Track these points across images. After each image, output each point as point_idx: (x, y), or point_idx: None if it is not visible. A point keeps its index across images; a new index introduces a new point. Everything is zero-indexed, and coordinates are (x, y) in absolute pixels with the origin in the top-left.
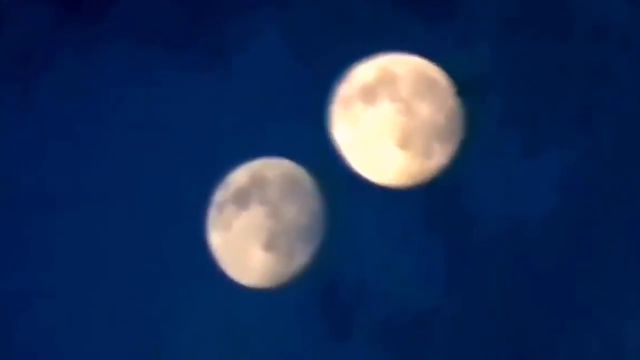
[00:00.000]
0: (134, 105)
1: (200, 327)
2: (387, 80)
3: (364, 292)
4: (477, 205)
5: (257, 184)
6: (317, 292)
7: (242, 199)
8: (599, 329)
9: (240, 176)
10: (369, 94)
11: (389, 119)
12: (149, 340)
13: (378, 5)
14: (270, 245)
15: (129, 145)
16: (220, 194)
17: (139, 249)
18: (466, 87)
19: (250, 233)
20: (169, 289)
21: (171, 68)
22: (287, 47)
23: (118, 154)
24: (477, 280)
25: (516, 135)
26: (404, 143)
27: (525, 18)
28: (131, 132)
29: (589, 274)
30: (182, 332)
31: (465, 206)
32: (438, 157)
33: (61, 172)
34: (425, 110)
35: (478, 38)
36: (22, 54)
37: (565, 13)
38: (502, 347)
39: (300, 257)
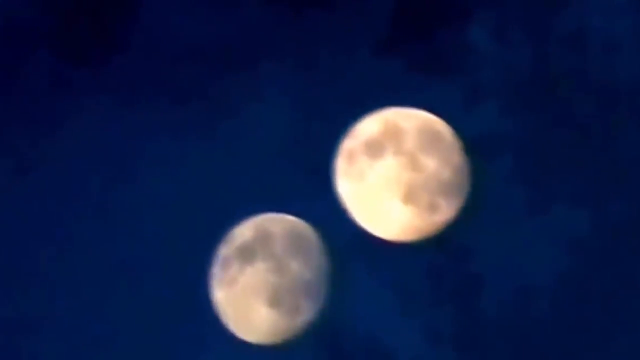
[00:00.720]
0: (136, 160)
1: None
2: (392, 134)
3: (368, 349)
4: (484, 265)
5: (262, 239)
6: (322, 349)
7: (246, 254)
8: None
9: (244, 231)
10: (373, 148)
11: (393, 173)
12: None
13: (384, 60)
14: (274, 301)
15: (131, 200)
16: (225, 249)
17: (141, 304)
18: (473, 144)
19: (255, 289)
20: (172, 345)
21: (175, 123)
22: (291, 101)
23: (119, 207)
24: (485, 342)
25: (524, 193)
26: (409, 198)
27: (535, 76)
28: (133, 186)
29: (602, 341)
30: None
31: (473, 265)
32: (444, 213)
33: (62, 227)
34: (431, 164)
35: (486, 95)
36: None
37: (575, 71)
38: None
39: (305, 314)
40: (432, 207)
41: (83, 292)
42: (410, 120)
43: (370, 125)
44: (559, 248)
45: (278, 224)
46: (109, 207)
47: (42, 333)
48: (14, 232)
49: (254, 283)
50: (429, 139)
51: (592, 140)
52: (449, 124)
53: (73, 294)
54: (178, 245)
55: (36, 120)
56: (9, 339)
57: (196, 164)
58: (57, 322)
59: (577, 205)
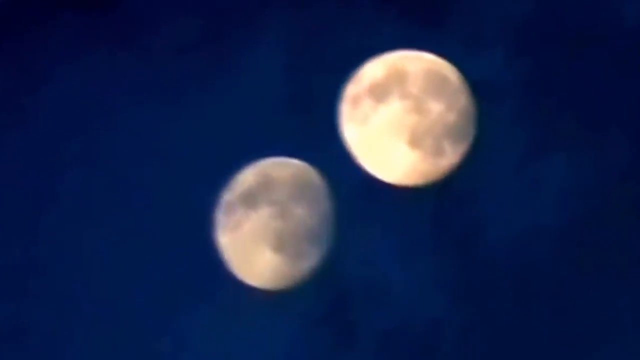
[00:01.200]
0: (136, 108)
1: (207, 328)
2: (397, 78)
3: (371, 297)
4: (488, 209)
5: (265, 184)
6: (326, 294)
7: (250, 200)
8: (615, 343)
9: (247, 177)
10: (378, 92)
11: (399, 117)
12: (153, 340)
13: (384, 5)
14: (279, 246)
15: (135, 146)
16: (228, 195)
17: (145, 250)
18: (477, 89)
19: (259, 234)
20: (175, 290)
21: (176, 72)
22: (295, 46)
23: (123, 155)
24: (487, 288)
25: (528, 138)
26: (414, 142)
27: (539, 20)
28: (134, 133)
29: (604, 285)
30: (187, 332)
31: (476, 209)
32: (449, 157)
33: (65, 172)
34: (437, 108)
35: (492, 40)
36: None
37: (580, 16)
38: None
39: (309, 259)
40: (438, 151)
41: (85, 240)
42: (415, 64)
43: (374, 69)
44: (562, 193)
45: (282, 169)
46: (110, 154)
47: (48, 277)
48: (12, 179)
49: (258, 228)
50: (435, 83)
51: (596, 85)
52: (453, 66)
53: (74, 243)
54: (181, 192)
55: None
56: (20, 281)
57: (199, 110)
58: (58, 272)
59: (581, 150)
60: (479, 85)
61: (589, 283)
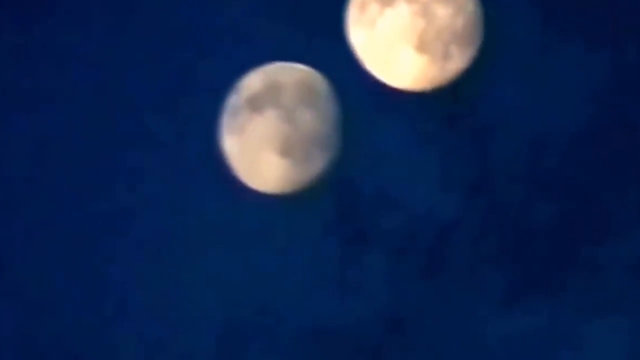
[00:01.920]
0: (144, 5)
1: (212, 233)
2: None
3: (382, 199)
4: (499, 112)
5: (271, 89)
6: (334, 198)
7: (256, 104)
8: (622, 238)
9: (254, 81)
10: None
11: (406, 21)
12: (158, 244)
13: None
14: (285, 151)
15: (139, 47)
16: (234, 99)
17: (150, 152)
18: None
19: (265, 138)
20: (180, 193)
21: None
22: None
23: (126, 54)
24: (500, 189)
25: (539, 37)
26: (422, 47)
27: None
28: (141, 33)
29: (617, 193)
30: (193, 236)
31: (487, 113)
32: (457, 61)
33: (70, 72)
34: (445, 12)
35: None
36: None
37: None
38: (523, 259)
39: (317, 164)
40: (446, 56)
41: (86, 135)
42: None
43: None
44: (576, 93)
45: (288, 74)
46: (113, 51)
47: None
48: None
49: (264, 132)
50: None
51: None
52: None
53: (87, 158)
54: (186, 95)
55: None
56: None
57: (204, 12)
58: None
59: (595, 47)
60: None
61: (603, 189)
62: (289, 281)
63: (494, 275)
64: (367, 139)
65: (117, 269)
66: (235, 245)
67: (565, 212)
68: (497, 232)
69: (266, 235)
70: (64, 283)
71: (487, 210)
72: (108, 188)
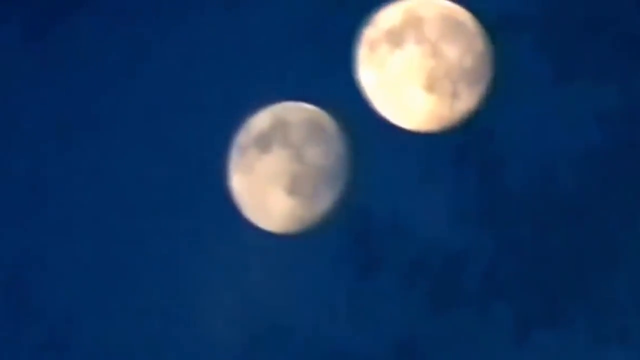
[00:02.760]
0: (155, 46)
1: (221, 273)
2: (413, 23)
3: (394, 230)
4: (509, 143)
5: (280, 127)
6: (344, 235)
7: (264, 142)
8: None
9: (262, 119)
10: (395, 37)
11: (415, 61)
12: (166, 286)
13: None
14: (293, 189)
15: (149, 86)
16: (242, 137)
17: (159, 192)
18: (495, 25)
19: (273, 177)
20: (188, 232)
21: (194, 7)
22: None
23: (137, 94)
24: (510, 221)
25: (548, 71)
26: (431, 86)
27: None
28: (150, 73)
29: (627, 217)
30: (201, 277)
31: (497, 147)
32: (466, 100)
33: (80, 109)
34: (453, 52)
35: None
36: None
37: None
38: (533, 291)
39: (325, 201)
40: (455, 95)
41: (97, 177)
42: (431, 9)
43: (391, 14)
44: (584, 124)
45: (296, 113)
46: (121, 96)
47: (60, 218)
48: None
49: (271, 170)
50: (451, 27)
51: (616, 14)
52: (468, 9)
53: (89, 181)
54: (195, 133)
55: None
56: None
57: (212, 48)
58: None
59: (603, 80)
60: (496, 23)
61: (612, 215)
62: (301, 310)
63: (504, 306)
64: (378, 172)
65: (136, 304)
66: (246, 281)
67: (575, 243)
68: (506, 264)
69: (276, 271)
70: (90, 321)
71: (496, 242)
72: (121, 226)
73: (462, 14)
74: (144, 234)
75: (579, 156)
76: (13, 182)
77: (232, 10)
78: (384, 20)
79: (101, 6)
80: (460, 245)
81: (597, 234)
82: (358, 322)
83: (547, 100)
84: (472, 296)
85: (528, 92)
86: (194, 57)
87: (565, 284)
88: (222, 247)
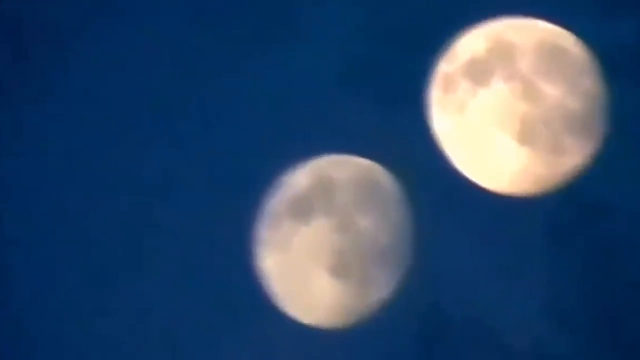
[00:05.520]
0: (174, 85)
1: None
2: (502, 53)
3: (473, 328)
4: (626, 225)
5: (322, 188)
6: (404, 334)
7: (302, 208)
8: None
9: (299, 179)
10: (478, 72)
11: (505, 104)
12: None
13: None
14: (339, 270)
15: (164, 133)
16: (274, 203)
17: (172, 278)
18: (610, 64)
19: (313, 255)
20: (211, 329)
21: (228, 38)
22: (366, 13)
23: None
24: (626, 327)
25: None
26: (525, 137)
27: None
28: (164, 119)
29: None
30: None
31: (612, 221)
32: (571, 156)
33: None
34: (554, 92)
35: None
36: None
37: None
38: None
39: (381, 287)
40: (556, 149)
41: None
42: (526, 34)
43: (473, 42)
44: None
45: (344, 169)
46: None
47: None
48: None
49: (311, 246)
50: (551, 59)
51: None
52: (575, 33)
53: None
54: (217, 198)
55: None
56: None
57: (240, 93)
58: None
59: None
60: (610, 61)
61: None
62: None
63: None
64: (452, 250)
65: None
66: None
67: None
68: None
69: None
70: None
71: (609, 349)
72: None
73: (567, 40)
74: (156, 334)
75: None
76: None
77: (268, 36)
78: (463, 50)
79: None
80: (560, 351)
81: None
82: None
83: None
84: None
85: None
86: (219, 102)
87: None
88: (251, 348)
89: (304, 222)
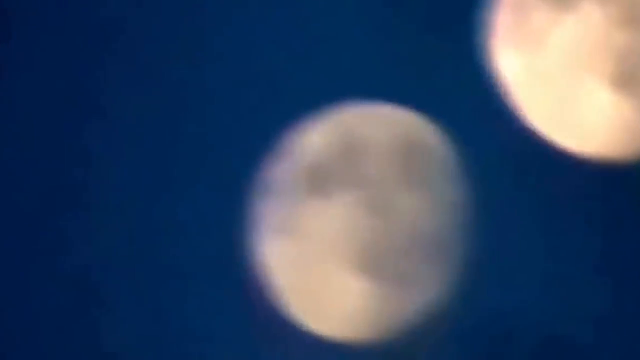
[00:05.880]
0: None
1: None
2: None
3: (537, 352)
4: None
5: (345, 152)
6: (458, 353)
7: (317, 180)
8: None
9: (314, 138)
10: None
11: (596, 34)
12: None
13: None
14: (368, 265)
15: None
16: (281, 171)
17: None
18: None
19: (333, 243)
20: (200, 336)
21: None
22: None
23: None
24: None
25: None
26: (621, 80)
27: None
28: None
29: None
30: None
31: None
32: None
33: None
34: None
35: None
36: None
37: None
38: None
39: (425, 290)
40: None
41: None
42: None
43: None
44: None
45: (375, 125)
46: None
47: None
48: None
49: (330, 232)
50: None
51: None
52: None
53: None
54: (207, 166)
55: None
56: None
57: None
58: None
59: None
60: None
61: None
62: None
63: None
64: (525, 242)
65: None
66: None
67: None
68: None
69: None
70: None
71: None
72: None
73: None
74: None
75: None
76: None
77: None
78: None
79: None
80: None
81: None
82: None
83: None
84: None
85: None
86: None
87: None
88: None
89: (320, 199)
